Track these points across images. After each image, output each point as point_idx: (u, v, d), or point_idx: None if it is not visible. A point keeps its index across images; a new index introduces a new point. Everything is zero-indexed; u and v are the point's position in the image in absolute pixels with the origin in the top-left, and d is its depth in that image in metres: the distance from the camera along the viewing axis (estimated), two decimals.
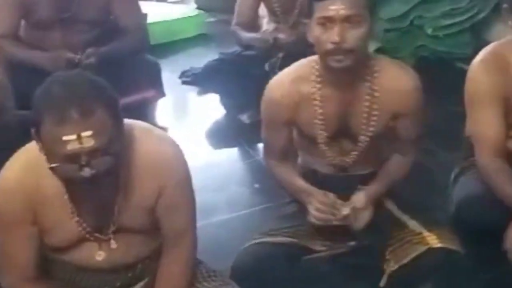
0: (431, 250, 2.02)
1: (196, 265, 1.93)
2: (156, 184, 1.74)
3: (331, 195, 2.10)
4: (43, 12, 3.10)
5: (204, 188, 2.75)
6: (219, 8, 5.40)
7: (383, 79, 2.06)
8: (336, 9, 1.92)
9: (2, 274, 1.83)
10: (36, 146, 1.62)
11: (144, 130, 1.78)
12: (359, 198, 2.12)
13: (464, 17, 4.19)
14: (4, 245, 1.79)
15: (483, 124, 2.28)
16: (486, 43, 2.48)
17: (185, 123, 4.01)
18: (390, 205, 2.19)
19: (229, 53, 3.91)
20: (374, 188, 2.16)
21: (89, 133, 1.54)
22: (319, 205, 2.08)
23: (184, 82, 4.39)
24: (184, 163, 1.80)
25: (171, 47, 5.01)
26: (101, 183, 1.61)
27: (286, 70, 2.17)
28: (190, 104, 4.33)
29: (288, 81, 2.12)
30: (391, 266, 2.05)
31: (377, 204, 2.16)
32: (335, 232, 2.13)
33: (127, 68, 3.11)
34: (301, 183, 2.17)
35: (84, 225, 1.75)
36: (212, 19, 5.54)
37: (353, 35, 1.94)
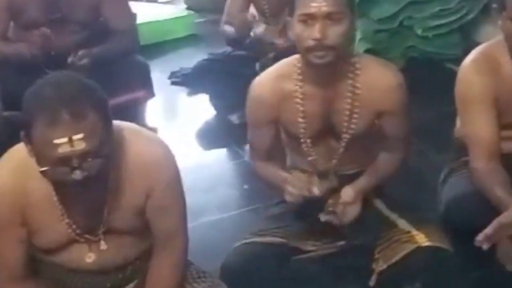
0: (419, 248, 2.03)
1: (186, 267, 1.93)
2: (145, 185, 1.74)
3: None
4: (32, 13, 3.09)
5: (194, 189, 2.75)
6: (209, 8, 5.40)
7: (365, 76, 2.07)
8: (317, 6, 1.94)
9: None
10: (25, 148, 1.61)
11: (134, 132, 1.77)
12: (348, 192, 2.13)
13: (453, 18, 4.21)
14: None
15: (476, 125, 2.28)
16: (475, 43, 2.49)
17: (175, 123, 4.01)
18: (379, 204, 2.20)
19: (219, 54, 3.91)
20: (362, 183, 2.16)
21: (80, 136, 1.53)
22: (295, 181, 2.07)
23: (173, 83, 4.39)
24: (174, 164, 1.79)
25: (160, 48, 5.00)
26: (92, 185, 1.60)
27: (269, 69, 2.19)
28: (180, 104, 4.33)
29: (270, 79, 2.13)
30: (380, 266, 2.05)
31: (366, 203, 2.17)
32: (324, 232, 2.13)
33: (117, 68, 3.10)
34: (284, 174, 2.16)
35: (74, 226, 1.75)
36: (202, 20, 5.54)
37: (335, 32, 1.95)
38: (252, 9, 3.83)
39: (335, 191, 2.16)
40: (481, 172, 2.22)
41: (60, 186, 1.63)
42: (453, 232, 2.14)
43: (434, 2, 4.20)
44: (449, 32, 4.24)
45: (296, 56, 2.11)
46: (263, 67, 3.48)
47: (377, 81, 2.07)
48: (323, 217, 2.13)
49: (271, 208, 2.30)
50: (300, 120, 2.10)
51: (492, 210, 2.16)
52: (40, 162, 1.58)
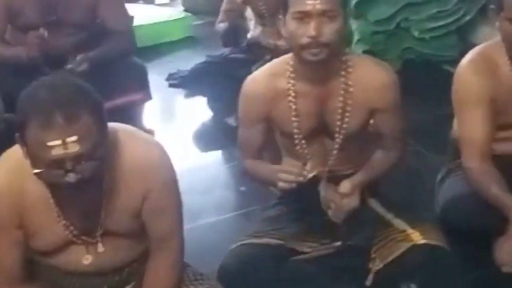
0: (415, 247, 2.03)
1: (183, 269, 1.92)
2: (141, 187, 1.74)
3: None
4: (29, 15, 3.09)
5: (191, 191, 2.75)
6: (207, 10, 5.40)
7: (357, 74, 2.08)
8: (312, 3, 1.95)
9: None
10: (21, 150, 1.61)
11: (130, 134, 1.77)
12: (345, 184, 2.13)
13: (450, 19, 4.21)
14: None
15: (470, 126, 2.29)
16: (472, 45, 2.49)
17: (172, 126, 4.00)
18: (375, 204, 2.20)
19: (216, 56, 3.91)
20: (358, 176, 2.16)
21: (74, 138, 1.53)
22: (287, 168, 2.06)
23: (171, 85, 4.39)
24: (170, 166, 1.79)
25: (158, 50, 5.00)
26: (86, 188, 1.60)
27: (263, 67, 2.20)
28: (177, 107, 4.32)
29: (263, 77, 2.14)
30: (377, 265, 2.05)
31: (361, 203, 2.16)
32: (320, 233, 2.13)
33: (114, 71, 3.10)
34: (276, 166, 2.16)
35: (71, 228, 1.75)
36: (199, 22, 5.53)
37: (329, 29, 1.96)
38: (249, 11, 3.83)
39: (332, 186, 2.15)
40: (475, 172, 2.23)
41: (55, 188, 1.63)
42: (450, 233, 2.15)
43: (431, 4, 4.20)
44: (446, 34, 4.24)
45: (289, 54, 2.12)
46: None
47: (369, 78, 2.08)
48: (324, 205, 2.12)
49: (268, 210, 2.30)
50: (293, 118, 2.10)
51: (489, 210, 2.17)
52: (34, 164, 1.58)
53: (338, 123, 2.10)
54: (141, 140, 1.78)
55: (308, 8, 1.95)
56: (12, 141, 1.65)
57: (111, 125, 1.69)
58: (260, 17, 3.76)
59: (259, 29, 3.76)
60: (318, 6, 1.94)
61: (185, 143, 3.65)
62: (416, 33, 4.21)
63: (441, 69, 4.15)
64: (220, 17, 3.91)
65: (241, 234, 2.17)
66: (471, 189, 2.25)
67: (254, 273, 2.03)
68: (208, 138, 3.75)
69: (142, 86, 3.33)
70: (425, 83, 3.97)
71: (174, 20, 5.38)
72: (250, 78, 2.18)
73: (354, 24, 4.24)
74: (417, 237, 2.05)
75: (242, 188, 3.09)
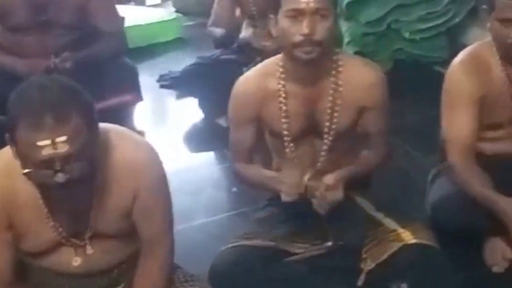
0: (406, 246, 2.04)
1: (173, 270, 1.92)
2: (131, 188, 1.74)
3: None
4: (19, 16, 3.07)
5: (181, 192, 2.75)
6: (198, 11, 5.39)
7: (347, 74, 2.10)
8: (306, 1, 1.96)
9: None
10: (11, 150, 1.61)
11: (120, 134, 1.77)
12: (329, 176, 2.09)
13: (440, 21, 4.23)
14: None
15: (458, 125, 2.31)
16: (462, 46, 2.51)
17: (163, 127, 4.00)
18: (365, 205, 2.21)
19: (207, 57, 3.91)
20: (343, 171, 2.13)
21: (63, 138, 1.53)
22: (288, 180, 2.07)
23: (162, 86, 4.38)
24: (160, 167, 1.79)
25: (149, 51, 4.99)
26: (76, 189, 1.60)
27: (254, 68, 2.22)
28: (168, 107, 4.32)
29: (254, 77, 2.16)
30: (368, 265, 2.06)
31: (351, 203, 2.16)
32: (311, 233, 2.13)
33: (105, 71, 3.10)
34: (269, 172, 2.17)
35: (60, 230, 1.74)
36: (190, 23, 5.53)
37: (322, 28, 1.98)
38: (239, 12, 3.82)
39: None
40: (459, 168, 2.26)
41: (45, 189, 1.63)
42: (440, 232, 2.16)
43: (421, 5, 4.22)
44: (436, 35, 4.26)
45: (279, 55, 2.12)
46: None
47: (358, 78, 2.10)
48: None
49: (259, 211, 2.30)
50: (283, 119, 2.11)
51: (476, 210, 2.18)
52: (24, 164, 1.58)
53: (327, 123, 2.11)
54: (131, 141, 1.78)
55: (302, 6, 1.96)
56: (3, 142, 1.65)
57: (102, 125, 1.69)
58: (250, 18, 3.76)
59: (250, 30, 3.76)
60: (312, 4, 1.96)
61: (176, 144, 3.64)
62: (406, 34, 4.23)
63: (431, 70, 4.17)
64: (213, 19, 3.89)
65: (232, 235, 2.17)
66: (459, 189, 2.26)
67: (245, 274, 2.03)
68: (199, 139, 3.75)
69: (133, 87, 3.32)
70: (415, 84, 3.98)
71: (165, 21, 5.37)
72: (241, 78, 2.19)
73: (344, 26, 4.25)
74: (408, 237, 2.05)
75: (233, 189, 3.09)
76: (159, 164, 1.79)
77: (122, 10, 3.51)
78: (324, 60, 2.06)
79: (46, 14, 3.07)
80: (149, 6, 6.04)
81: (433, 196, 2.42)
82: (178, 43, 5.26)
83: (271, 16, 2.08)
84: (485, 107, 2.32)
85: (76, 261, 1.79)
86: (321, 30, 1.98)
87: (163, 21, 5.34)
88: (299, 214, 2.16)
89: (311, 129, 2.14)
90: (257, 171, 2.21)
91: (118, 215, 1.76)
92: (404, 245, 2.04)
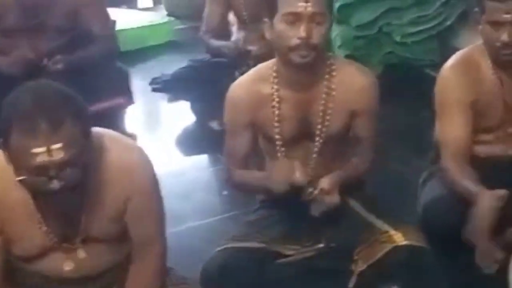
0: (397, 248, 2.04)
1: (165, 273, 1.92)
2: (123, 193, 1.74)
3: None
4: (10, 19, 3.07)
5: (173, 195, 2.75)
6: (190, 15, 5.39)
7: (340, 77, 2.11)
8: (304, 5, 1.97)
9: None
10: (3, 155, 1.60)
11: (112, 139, 1.76)
12: (324, 180, 2.09)
13: (431, 24, 4.24)
14: None
15: (450, 128, 2.32)
16: (454, 49, 2.52)
17: (155, 130, 4.00)
18: (357, 207, 2.21)
19: (199, 60, 3.91)
20: (336, 174, 2.12)
21: (58, 145, 1.53)
22: (279, 168, 2.05)
23: (154, 89, 4.37)
24: (152, 171, 1.79)
25: (141, 54, 4.99)
26: (69, 194, 1.60)
27: (248, 72, 2.22)
28: (160, 111, 4.32)
29: (247, 81, 2.16)
30: (360, 266, 2.06)
31: (343, 205, 2.16)
32: (303, 235, 2.14)
33: (96, 75, 3.10)
34: (262, 173, 2.16)
35: (52, 235, 1.74)
36: (182, 26, 5.53)
37: (318, 32, 1.99)
38: (231, 16, 3.83)
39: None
40: (451, 171, 2.26)
41: (37, 195, 1.63)
42: (432, 234, 2.16)
43: (413, 9, 4.23)
44: (428, 38, 4.27)
45: (273, 59, 2.12)
46: (243, 75, 3.49)
47: (351, 81, 2.11)
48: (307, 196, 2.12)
49: (250, 214, 2.30)
50: (276, 124, 2.11)
51: (467, 212, 2.18)
52: (17, 171, 1.57)
53: (319, 126, 2.12)
54: (123, 145, 1.78)
55: (300, 9, 1.97)
56: None
57: (95, 130, 1.69)
58: (242, 22, 3.76)
59: (242, 34, 3.76)
60: (309, 9, 1.97)
61: (168, 147, 3.64)
62: (397, 38, 4.24)
63: (422, 73, 4.18)
64: (205, 25, 3.87)
65: (224, 238, 2.17)
66: (451, 191, 2.27)
67: (236, 276, 2.03)
68: (191, 142, 3.75)
69: (125, 90, 3.33)
70: (407, 87, 3.99)
71: (157, 24, 5.37)
72: (235, 84, 2.19)
73: (336, 29, 4.25)
74: (399, 238, 2.05)
75: (224, 192, 3.09)
76: (151, 168, 1.79)
77: (114, 13, 3.51)
78: (318, 64, 2.07)
79: (37, 17, 3.08)
80: (141, 9, 6.04)
81: (424, 198, 2.42)
82: (170, 47, 5.26)
83: (265, 19, 2.09)
84: (477, 111, 2.32)
85: (68, 265, 1.78)
86: (317, 34, 1.99)
87: (155, 25, 5.34)
88: (291, 216, 2.16)
89: (303, 133, 2.14)
90: (249, 174, 2.21)
91: (110, 219, 1.76)
92: (395, 246, 2.04)
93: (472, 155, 2.34)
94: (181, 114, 3.97)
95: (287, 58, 2.04)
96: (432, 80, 2.41)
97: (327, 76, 2.10)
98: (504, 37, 2.18)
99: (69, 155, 1.54)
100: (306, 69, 2.05)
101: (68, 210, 1.70)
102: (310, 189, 2.08)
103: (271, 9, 2.03)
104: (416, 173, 2.64)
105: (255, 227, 2.18)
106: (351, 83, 2.11)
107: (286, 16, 1.99)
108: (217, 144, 2.26)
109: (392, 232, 2.08)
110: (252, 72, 2.20)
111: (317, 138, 2.13)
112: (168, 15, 5.66)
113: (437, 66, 2.51)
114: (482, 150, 2.37)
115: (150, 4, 6.20)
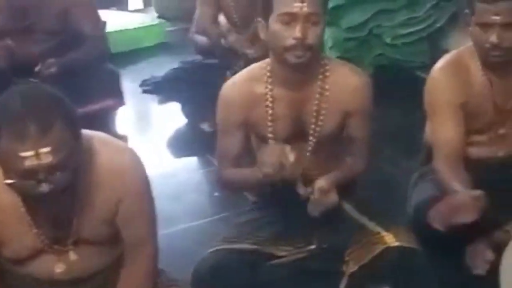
0: (389, 249, 2.04)
1: (157, 275, 1.92)
2: (114, 195, 1.73)
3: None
4: (0, 21, 3.06)
5: (164, 197, 2.74)
6: (180, 17, 5.40)
7: (334, 78, 2.11)
8: (299, 6, 1.98)
9: None
10: None
11: (103, 141, 1.76)
12: (320, 181, 2.09)
13: (422, 26, 4.25)
14: None
15: (442, 130, 2.33)
16: (444, 51, 2.53)
17: (146, 132, 4.00)
18: (349, 208, 2.21)
19: (189, 62, 3.91)
20: (331, 175, 2.13)
21: (47, 149, 1.52)
22: (269, 152, 2.01)
23: (144, 91, 4.36)
24: (143, 174, 1.79)
25: (131, 56, 4.99)
26: (59, 197, 1.59)
27: (241, 72, 2.22)
28: (151, 112, 4.32)
29: (240, 81, 2.16)
30: (351, 268, 2.06)
31: (336, 207, 2.17)
32: (295, 236, 2.14)
33: (87, 77, 3.09)
34: (252, 168, 2.14)
35: (43, 237, 1.73)
36: (173, 28, 5.53)
37: (314, 32, 2.00)
38: (222, 18, 3.83)
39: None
40: (442, 172, 2.27)
41: (27, 198, 1.62)
42: (422, 235, 2.17)
43: (403, 11, 4.25)
44: (418, 40, 4.28)
45: (267, 59, 2.13)
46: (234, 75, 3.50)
47: (344, 82, 2.12)
48: (302, 191, 2.11)
49: (242, 215, 2.30)
50: (269, 123, 2.12)
51: None
52: (6, 174, 1.56)
53: (313, 125, 2.12)
54: (114, 147, 1.77)
55: (295, 10, 1.98)
56: None
57: (85, 132, 1.68)
58: (233, 24, 3.77)
59: (233, 36, 3.76)
60: (305, 9, 1.98)
61: (159, 149, 3.64)
62: (388, 40, 4.25)
63: (413, 75, 4.19)
64: (195, 26, 3.89)
65: (215, 239, 2.17)
66: (442, 192, 2.28)
67: (228, 278, 2.03)
68: (182, 144, 3.75)
69: (115, 92, 3.32)
70: (397, 89, 4.00)
71: (148, 26, 5.37)
72: (228, 84, 2.19)
73: (327, 31, 4.25)
74: (391, 239, 2.06)
75: (215, 194, 3.10)
76: (142, 169, 1.78)
77: (104, 15, 3.51)
78: (313, 64, 2.08)
79: (27, 19, 3.07)
80: (132, 11, 6.04)
81: (415, 199, 2.43)
82: (161, 48, 5.26)
83: (259, 19, 2.09)
84: (467, 112, 2.33)
85: (59, 268, 1.78)
86: (313, 34, 2.00)
87: (145, 26, 5.35)
88: (283, 217, 2.16)
89: (296, 133, 2.15)
90: (239, 171, 2.20)
91: (101, 221, 1.75)
92: (386, 247, 2.04)
93: (464, 156, 2.35)
94: (172, 116, 3.97)
95: (282, 58, 2.04)
96: (422, 82, 2.41)
97: (321, 76, 2.11)
98: (493, 38, 2.19)
99: (58, 159, 1.53)
100: (301, 69, 2.06)
101: (59, 213, 1.69)
102: (309, 189, 2.09)
103: (266, 9, 2.04)
104: (407, 175, 2.65)
105: (246, 228, 2.18)
106: (344, 84, 2.12)
107: (281, 16, 2.00)
108: (208, 146, 2.27)
109: (384, 233, 2.09)
110: (245, 71, 2.20)
111: (310, 138, 2.14)
112: (159, 17, 5.68)
113: (427, 67, 2.52)
114: (473, 151, 2.38)
115: (141, 6, 6.20)
